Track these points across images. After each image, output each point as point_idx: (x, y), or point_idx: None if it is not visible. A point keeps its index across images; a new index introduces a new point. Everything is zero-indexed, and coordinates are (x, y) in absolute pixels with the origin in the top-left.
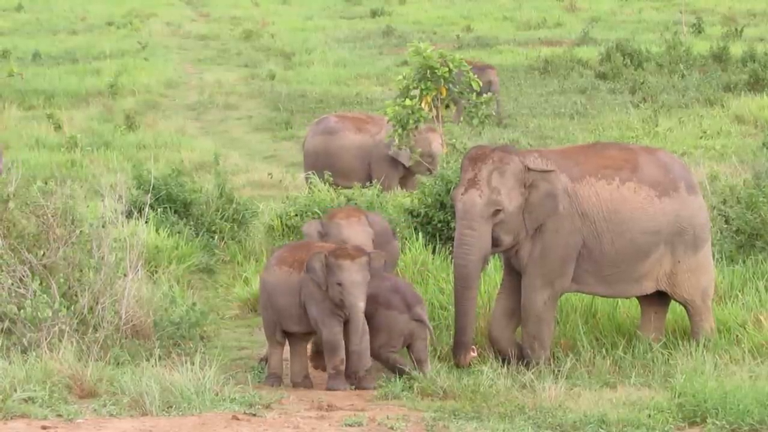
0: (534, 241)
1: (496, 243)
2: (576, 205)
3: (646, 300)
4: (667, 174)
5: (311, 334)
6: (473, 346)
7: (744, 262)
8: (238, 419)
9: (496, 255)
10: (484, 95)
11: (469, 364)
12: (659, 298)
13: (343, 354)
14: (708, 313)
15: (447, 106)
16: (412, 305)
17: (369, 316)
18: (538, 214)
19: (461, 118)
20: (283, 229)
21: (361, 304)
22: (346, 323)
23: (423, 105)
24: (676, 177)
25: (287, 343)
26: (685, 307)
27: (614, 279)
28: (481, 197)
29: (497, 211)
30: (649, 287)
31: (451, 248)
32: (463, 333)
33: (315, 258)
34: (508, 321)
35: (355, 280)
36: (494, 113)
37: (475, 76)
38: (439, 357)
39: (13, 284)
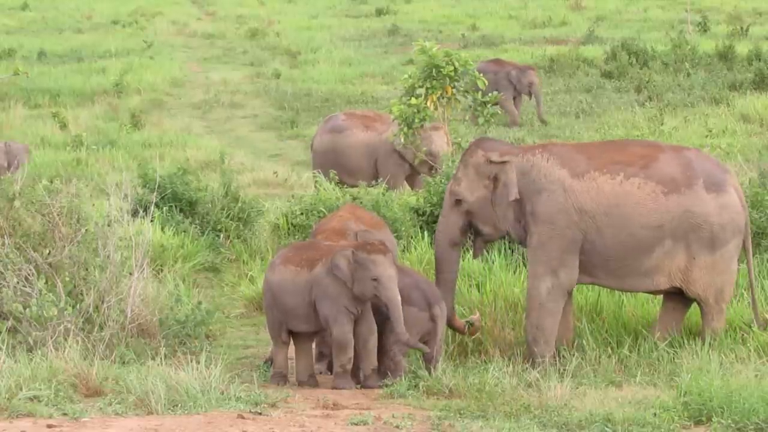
0: (530, 232)
1: (478, 232)
2: (572, 200)
3: (666, 296)
4: (686, 171)
5: (317, 333)
6: (473, 318)
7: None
8: (243, 418)
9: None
10: (490, 94)
11: (475, 332)
12: (679, 296)
13: (351, 353)
14: (720, 315)
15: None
16: (432, 304)
17: (386, 313)
18: (500, 203)
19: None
20: (289, 228)
21: (399, 298)
22: (357, 322)
23: (429, 104)
24: (694, 174)
25: (292, 342)
26: (699, 304)
27: (622, 273)
28: (449, 187)
29: (458, 201)
30: (662, 282)
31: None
32: None
33: (340, 255)
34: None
35: (390, 274)
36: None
37: (516, 77)
38: (445, 355)
39: (18, 283)
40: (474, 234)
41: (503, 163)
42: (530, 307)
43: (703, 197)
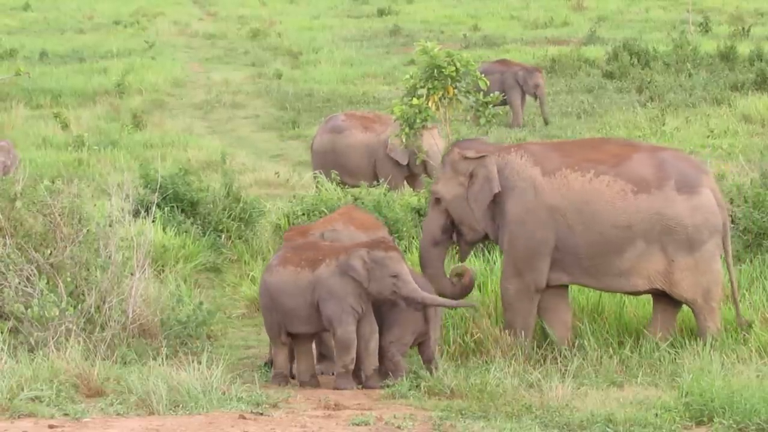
0: (502, 232)
1: (459, 234)
2: (542, 198)
3: (655, 297)
4: (658, 172)
5: (316, 334)
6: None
7: (751, 261)
8: (245, 418)
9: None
10: (492, 95)
11: (468, 286)
12: (668, 296)
13: (354, 353)
14: (713, 313)
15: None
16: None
17: (384, 311)
18: (475, 201)
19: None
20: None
21: (418, 288)
22: (358, 323)
23: (430, 104)
24: (666, 175)
25: (292, 342)
26: (690, 307)
27: (596, 272)
28: (431, 186)
29: (437, 200)
30: (640, 284)
31: (456, 247)
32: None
33: (354, 256)
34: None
35: (406, 269)
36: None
37: (523, 77)
38: (446, 356)
39: (20, 283)
40: (457, 236)
41: (480, 158)
42: (503, 306)
43: (674, 199)
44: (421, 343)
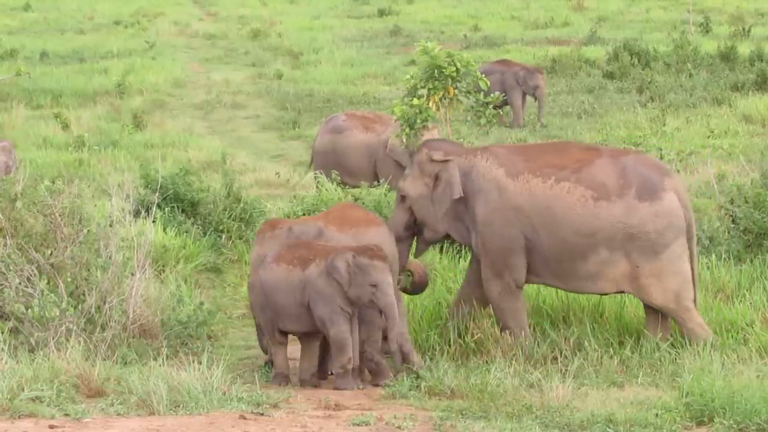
0: (474, 235)
1: (420, 231)
2: (506, 199)
3: None
4: (619, 179)
5: (312, 333)
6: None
7: (752, 261)
8: (245, 418)
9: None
10: (492, 95)
11: (421, 281)
12: None
13: (350, 353)
14: (689, 314)
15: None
16: None
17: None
18: (439, 202)
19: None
20: None
21: (396, 304)
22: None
23: (430, 104)
24: (627, 183)
25: (298, 340)
26: (665, 312)
27: (563, 274)
28: (399, 183)
29: (402, 197)
30: (607, 287)
31: (457, 248)
32: None
33: (340, 258)
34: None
35: (389, 280)
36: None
37: (523, 77)
38: (446, 356)
39: (20, 283)
40: (417, 233)
41: (445, 161)
42: (492, 308)
43: (635, 206)
44: (384, 339)
